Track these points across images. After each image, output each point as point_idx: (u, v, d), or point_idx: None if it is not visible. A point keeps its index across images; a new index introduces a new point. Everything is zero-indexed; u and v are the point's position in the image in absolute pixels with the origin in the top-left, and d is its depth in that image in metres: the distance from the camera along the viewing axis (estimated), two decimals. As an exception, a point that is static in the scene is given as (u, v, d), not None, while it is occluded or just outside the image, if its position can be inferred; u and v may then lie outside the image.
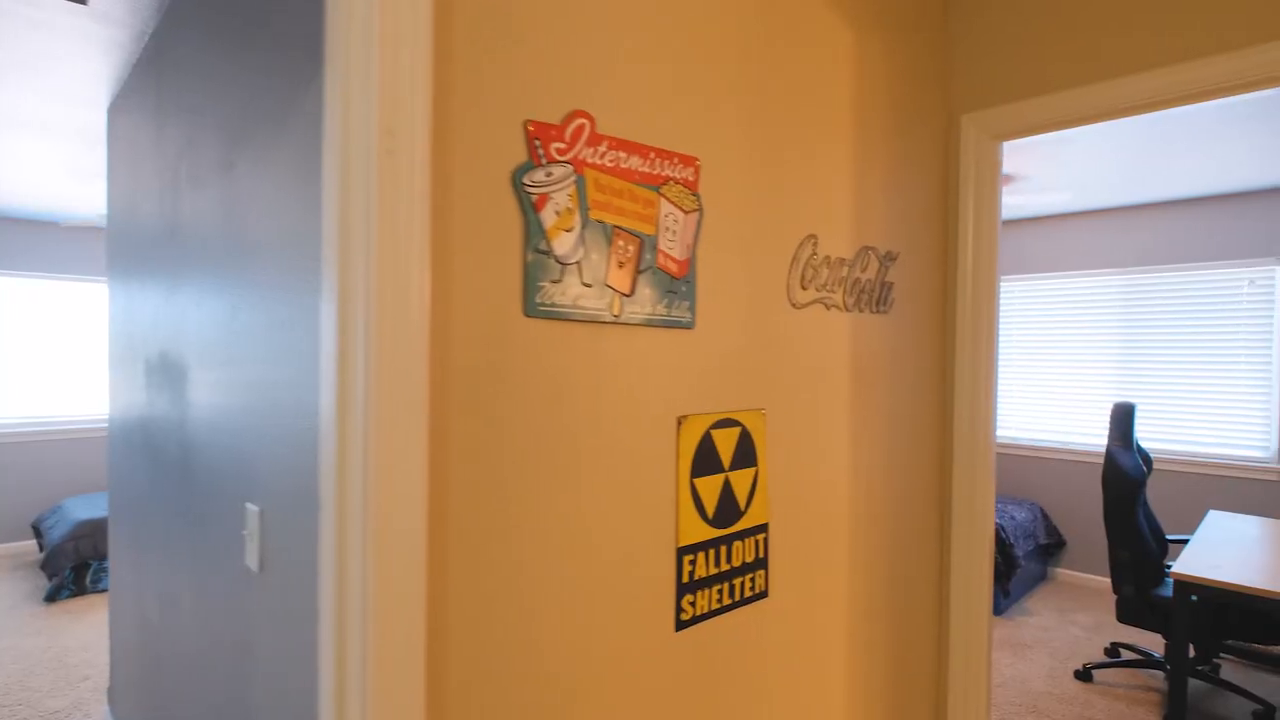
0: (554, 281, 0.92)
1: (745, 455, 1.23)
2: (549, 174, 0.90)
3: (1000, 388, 5.10)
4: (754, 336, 1.28)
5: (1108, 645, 3.63)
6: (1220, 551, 2.80)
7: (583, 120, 0.94)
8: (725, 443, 1.19)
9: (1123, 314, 4.52)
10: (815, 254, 1.42)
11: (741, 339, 1.25)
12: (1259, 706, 2.94)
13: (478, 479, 0.86)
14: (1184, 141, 3.14)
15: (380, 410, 0.74)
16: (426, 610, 0.81)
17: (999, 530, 4.17)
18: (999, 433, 5.10)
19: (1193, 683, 3.20)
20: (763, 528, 1.27)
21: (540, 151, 0.90)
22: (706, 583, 1.15)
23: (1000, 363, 5.09)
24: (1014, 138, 1.81)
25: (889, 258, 1.64)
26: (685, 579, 1.12)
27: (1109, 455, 3.10)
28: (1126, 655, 3.51)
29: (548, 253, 0.91)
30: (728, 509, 1.19)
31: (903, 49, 1.69)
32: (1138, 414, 4.46)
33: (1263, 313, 4.03)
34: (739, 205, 1.24)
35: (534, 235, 0.89)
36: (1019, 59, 1.78)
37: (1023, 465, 4.96)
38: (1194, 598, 2.63)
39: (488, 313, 0.87)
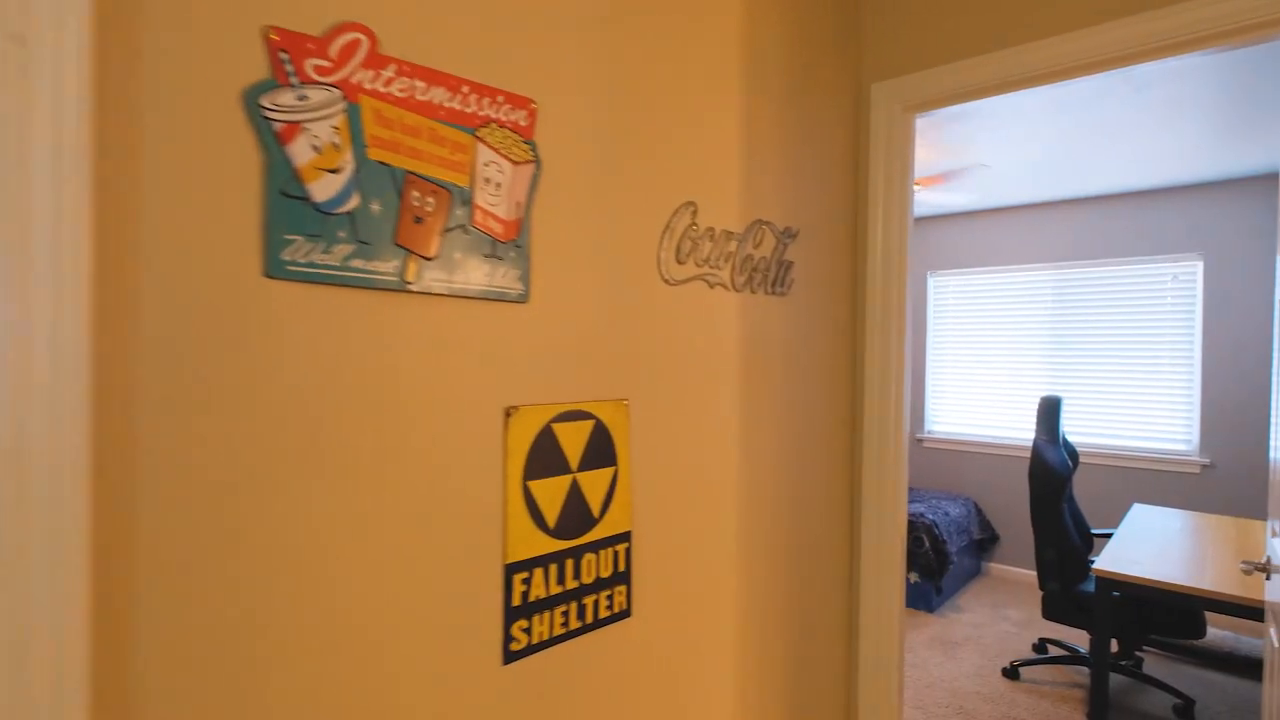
0: (312, 236, 0.72)
1: (601, 453, 1.06)
2: (302, 98, 0.71)
3: (934, 383, 5.07)
4: (614, 315, 1.10)
5: (1036, 641, 3.59)
6: (1142, 546, 2.76)
7: (357, 35, 0.75)
8: (573, 439, 1.01)
9: (1053, 309, 4.53)
10: (695, 224, 1.26)
11: (597, 317, 1.07)
12: (1179, 700, 2.92)
13: (188, 492, 0.66)
14: (1109, 137, 3.10)
15: None
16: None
17: (932, 527, 4.12)
18: (933, 428, 5.08)
19: (1116, 678, 3.17)
20: (625, 536, 1.09)
21: (290, 69, 0.70)
22: (547, 604, 0.97)
23: (933, 358, 5.06)
24: (928, 108, 1.68)
25: (788, 235, 1.49)
26: (517, 601, 0.94)
27: (1035, 450, 3.05)
28: (1053, 651, 3.48)
29: (302, 198, 0.71)
30: (576, 516, 1.01)
31: (805, 7, 1.54)
32: (1066, 408, 4.47)
33: (1185, 308, 4.06)
34: (594, 161, 1.06)
35: (279, 174, 0.69)
36: (932, 24, 1.64)
37: (957, 460, 4.95)
38: (1115, 594, 2.58)
39: (207, 273, 0.67)
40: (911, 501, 4.54)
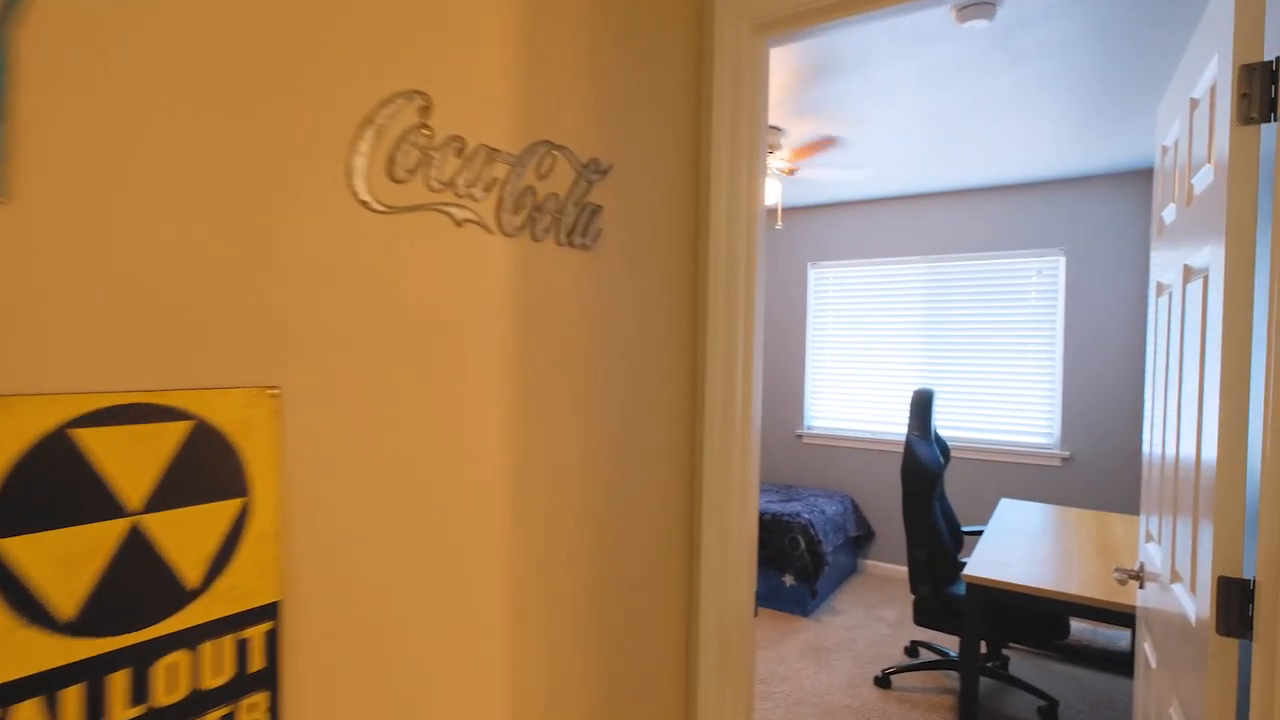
0: None
1: (207, 477, 0.62)
2: None
3: (813, 378, 4.94)
4: (250, 245, 0.67)
5: (908, 644, 3.46)
6: (1010, 547, 2.62)
7: None
8: (132, 455, 0.57)
9: (926, 302, 4.48)
10: (427, 128, 0.84)
11: (206, 244, 0.64)
12: (1043, 702, 2.84)
13: None
14: (983, 118, 2.97)
15: None
16: None
17: (808, 528, 3.93)
18: (812, 424, 4.94)
19: (984, 681, 3.07)
20: (265, 612, 0.67)
21: None
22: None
23: (813, 353, 4.92)
24: (782, 29, 1.35)
25: (594, 169, 1.10)
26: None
27: (908, 446, 2.87)
28: (925, 654, 3.35)
29: None
30: (138, 591, 0.58)
31: None
32: (938, 402, 4.43)
33: (1048, 303, 4.09)
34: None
35: None
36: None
37: (835, 456, 4.83)
38: (984, 600, 2.41)
39: None
40: (789, 501, 4.36)
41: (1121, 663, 3.23)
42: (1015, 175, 3.91)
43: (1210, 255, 1.12)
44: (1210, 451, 1.07)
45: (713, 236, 1.33)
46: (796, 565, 3.90)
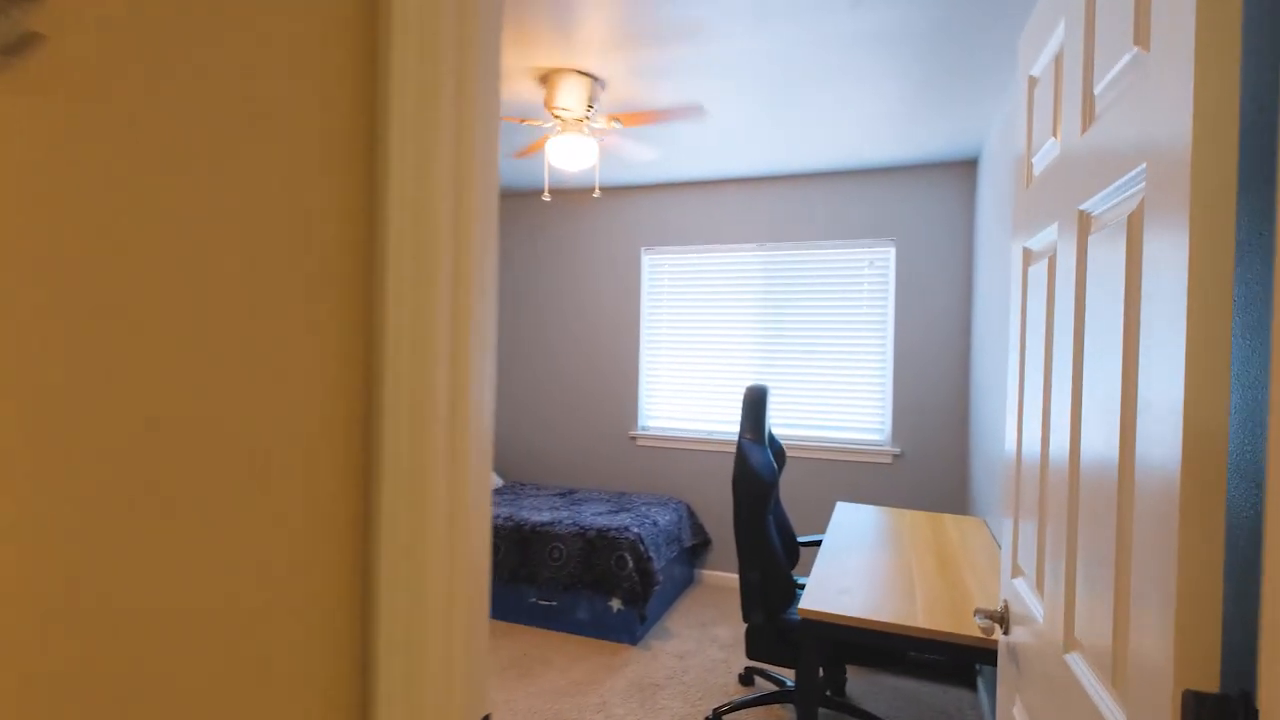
0: None
1: None
2: None
3: (648, 375, 4.53)
4: None
5: (743, 670, 3.11)
6: (848, 568, 2.30)
7: None
8: None
9: (763, 292, 4.22)
10: None
11: None
12: (881, 729, 2.57)
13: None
14: (817, 80, 2.66)
15: None
16: None
17: (636, 544, 3.48)
18: (647, 424, 4.53)
19: (821, 711, 2.76)
20: None
21: None
22: None
23: (647, 347, 4.51)
24: None
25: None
26: None
27: (740, 451, 2.48)
28: (759, 683, 3.01)
29: None
30: None
31: None
32: (773, 399, 4.19)
33: (880, 294, 3.96)
34: None
35: None
36: None
37: (669, 459, 4.44)
38: (822, 632, 2.05)
39: None
40: (618, 512, 3.89)
41: (962, 673, 3.08)
42: (849, 160, 3.72)
43: (1140, 188, 0.73)
44: (1157, 465, 0.67)
45: (394, 115, 0.74)
46: (625, 587, 3.44)
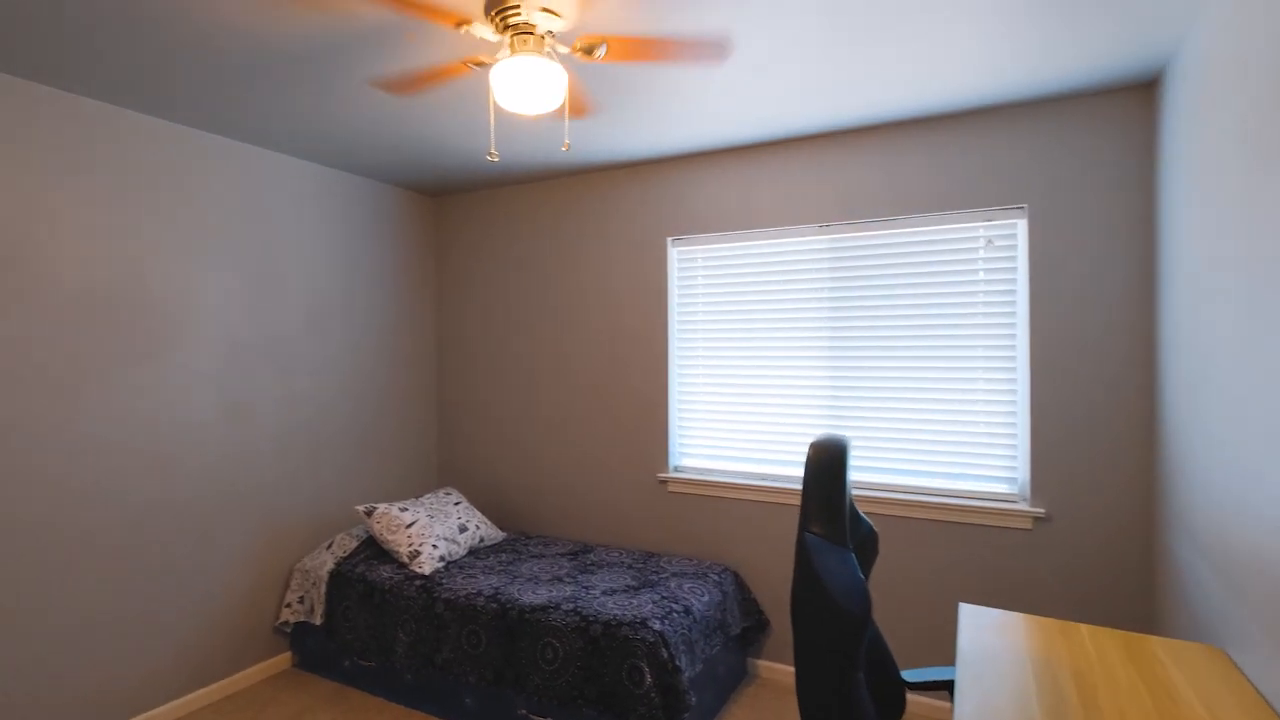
0: None
1: None
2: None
3: (681, 400, 3.49)
4: None
5: None
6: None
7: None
8: None
9: (828, 289, 3.12)
10: None
11: None
12: None
13: None
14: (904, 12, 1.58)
15: None
16: None
17: (658, 647, 2.44)
18: (681, 463, 3.49)
19: None
20: None
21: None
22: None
23: (680, 365, 3.47)
24: None
25: None
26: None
27: (804, 557, 1.42)
28: None
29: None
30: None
31: None
32: (848, 432, 3.07)
33: (1003, 284, 2.80)
34: None
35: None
36: None
37: (711, 511, 3.39)
38: None
39: None
40: (640, 588, 2.87)
41: None
42: (952, 98, 2.60)
43: None
44: None
45: None
46: (641, 711, 2.40)
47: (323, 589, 3.21)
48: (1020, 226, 2.73)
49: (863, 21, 1.99)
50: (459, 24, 1.88)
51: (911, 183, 2.90)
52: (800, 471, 3.20)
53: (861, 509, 2.99)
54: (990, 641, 1.80)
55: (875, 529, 1.93)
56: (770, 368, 3.25)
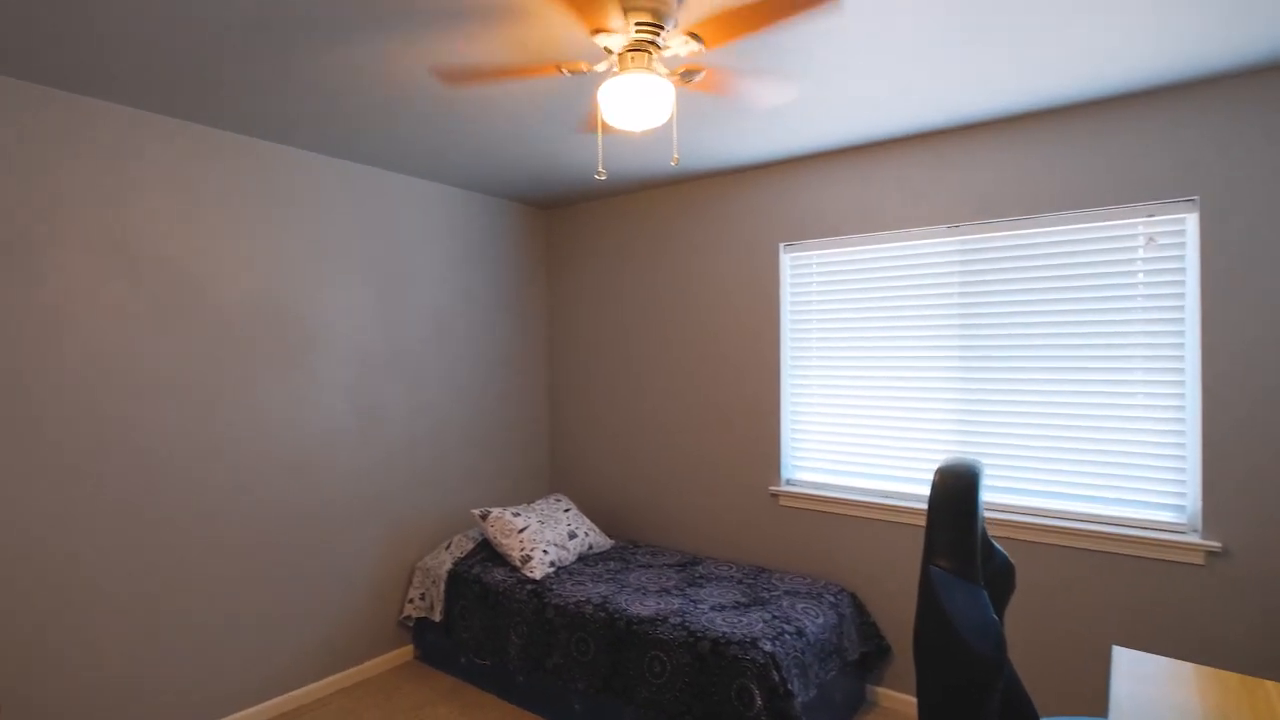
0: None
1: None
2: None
3: (794, 411, 3.36)
4: None
5: None
6: None
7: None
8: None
9: (958, 296, 2.89)
10: None
11: None
12: None
13: None
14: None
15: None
16: None
17: (768, 669, 2.35)
18: (794, 476, 3.35)
19: None
20: None
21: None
22: None
23: (793, 375, 3.34)
24: None
25: None
26: None
27: (929, 592, 1.29)
28: None
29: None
30: None
31: None
32: (981, 450, 2.82)
33: (1169, 289, 2.47)
34: None
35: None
36: None
37: (826, 527, 3.23)
38: None
39: None
40: (750, 606, 2.78)
41: None
42: (1107, 81, 2.32)
43: None
44: None
45: None
46: (749, 736, 2.32)
47: (441, 587, 3.37)
48: (1190, 221, 2.40)
49: (987, 12, 1.82)
50: (595, 31, 1.86)
51: (1053, 177, 2.63)
52: (918, 488, 2.98)
53: (994, 533, 2.73)
54: (1152, 693, 1.57)
55: (1011, 560, 1.74)
56: (893, 378, 3.06)
